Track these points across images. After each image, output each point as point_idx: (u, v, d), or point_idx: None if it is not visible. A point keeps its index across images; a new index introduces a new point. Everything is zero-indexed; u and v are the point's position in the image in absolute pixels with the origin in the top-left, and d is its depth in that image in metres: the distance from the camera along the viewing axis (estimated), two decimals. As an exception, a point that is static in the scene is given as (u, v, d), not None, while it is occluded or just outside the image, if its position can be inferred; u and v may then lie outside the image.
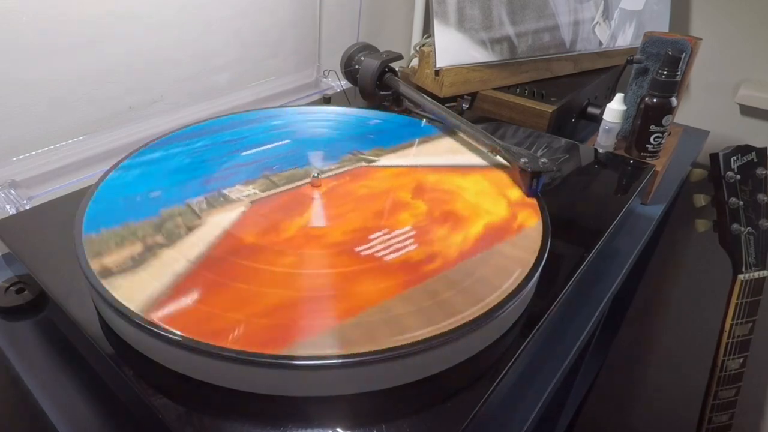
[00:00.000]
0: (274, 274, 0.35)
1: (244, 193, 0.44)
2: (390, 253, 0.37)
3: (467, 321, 0.32)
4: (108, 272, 0.34)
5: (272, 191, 0.44)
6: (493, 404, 0.37)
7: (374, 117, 0.59)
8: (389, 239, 0.39)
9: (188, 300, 0.33)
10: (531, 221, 0.42)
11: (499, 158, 0.50)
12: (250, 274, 0.35)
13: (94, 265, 0.35)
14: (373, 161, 0.50)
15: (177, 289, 0.33)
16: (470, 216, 0.42)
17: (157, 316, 0.31)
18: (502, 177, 0.48)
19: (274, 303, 0.33)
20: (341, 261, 0.37)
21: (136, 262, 0.35)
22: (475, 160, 0.51)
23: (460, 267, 0.37)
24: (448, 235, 0.40)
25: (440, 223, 0.41)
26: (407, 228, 0.40)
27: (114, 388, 0.37)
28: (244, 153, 0.50)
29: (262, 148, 0.51)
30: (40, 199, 0.50)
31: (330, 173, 0.47)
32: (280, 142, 0.52)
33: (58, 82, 0.52)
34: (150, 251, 0.37)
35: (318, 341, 0.30)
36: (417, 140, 0.55)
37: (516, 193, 0.46)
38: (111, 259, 0.36)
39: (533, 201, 0.44)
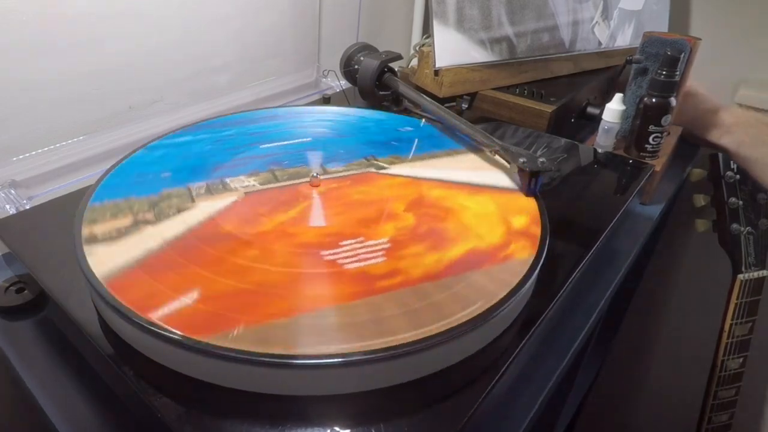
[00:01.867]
0: (232, 264, 0.36)
1: (243, 183, 0.45)
2: (353, 262, 0.36)
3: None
4: (93, 239, 0.37)
5: (270, 185, 0.45)
6: (492, 403, 0.37)
7: (407, 125, 0.58)
8: (359, 248, 0.38)
9: (145, 275, 0.34)
10: (523, 253, 0.38)
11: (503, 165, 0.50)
12: (209, 260, 0.36)
13: (85, 231, 0.38)
14: (383, 168, 0.49)
15: (143, 264, 0.35)
16: (456, 237, 0.39)
17: (111, 285, 0.33)
18: (514, 201, 0.44)
19: (220, 291, 0.33)
20: (299, 262, 0.36)
21: (120, 234, 0.38)
22: (492, 179, 0.47)
23: (419, 288, 0.34)
24: (423, 253, 0.37)
25: (420, 240, 0.39)
26: (383, 240, 0.39)
27: (114, 388, 0.37)
28: (262, 146, 0.51)
29: (281, 143, 0.52)
30: (40, 199, 0.50)
31: (334, 175, 0.47)
32: (301, 140, 0.53)
33: (58, 82, 0.52)
34: (136, 226, 0.39)
35: (235, 336, 0.30)
36: (441, 152, 0.52)
37: (522, 220, 0.41)
38: (100, 228, 0.38)
39: (534, 232, 0.40)
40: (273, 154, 0.50)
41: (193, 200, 0.42)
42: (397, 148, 0.53)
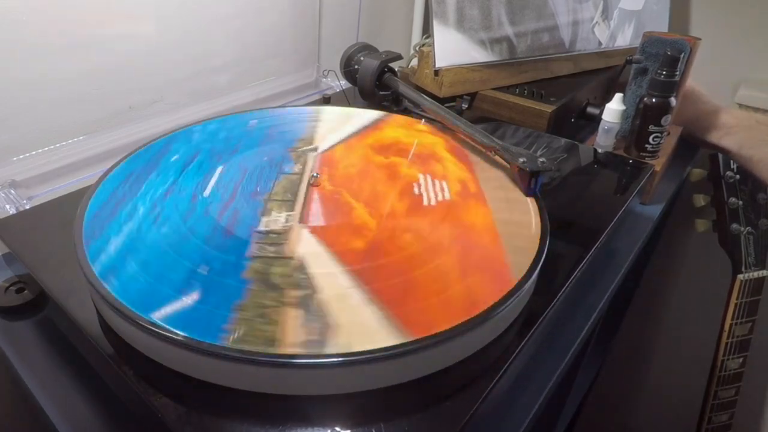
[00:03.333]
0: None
1: (281, 221, 0.40)
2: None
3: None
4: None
5: (293, 210, 0.42)
6: (492, 403, 0.37)
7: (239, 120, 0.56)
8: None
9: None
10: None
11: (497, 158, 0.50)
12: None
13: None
14: (318, 148, 0.51)
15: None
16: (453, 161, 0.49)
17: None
18: (400, 120, 0.56)
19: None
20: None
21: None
22: (367, 114, 0.58)
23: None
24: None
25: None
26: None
27: (114, 388, 0.37)
28: (208, 192, 0.44)
29: (213, 179, 0.46)
30: (40, 199, 0.50)
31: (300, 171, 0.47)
32: (220, 170, 0.47)
33: (58, 82, 0.52)
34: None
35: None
36: (311, 123, 0.56)
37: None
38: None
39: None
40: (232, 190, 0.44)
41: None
42: (283, 136, 0.53)
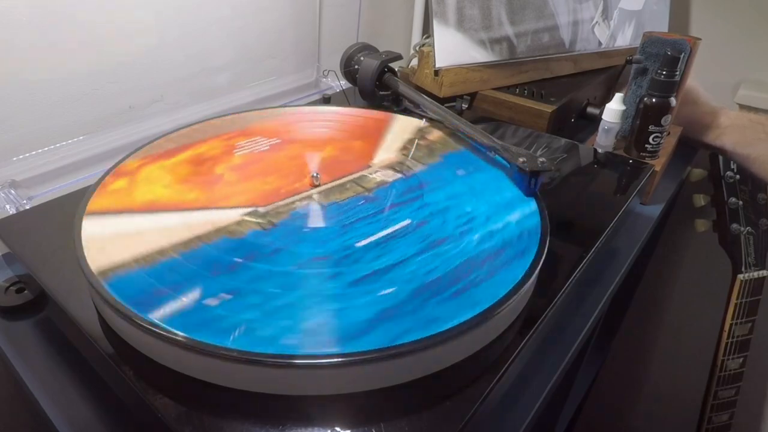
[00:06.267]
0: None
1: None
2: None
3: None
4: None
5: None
6: (492, 404, 0.37)
7: None
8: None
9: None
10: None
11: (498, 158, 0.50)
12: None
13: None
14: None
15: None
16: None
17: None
18: None
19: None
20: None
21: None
22: None
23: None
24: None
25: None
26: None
27: (114, 388, 0.37)
28: None
29: None
30: (40, 199, 0.50)
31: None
32: None
33: (58, 82, 0.52)
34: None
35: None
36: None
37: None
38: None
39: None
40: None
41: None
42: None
